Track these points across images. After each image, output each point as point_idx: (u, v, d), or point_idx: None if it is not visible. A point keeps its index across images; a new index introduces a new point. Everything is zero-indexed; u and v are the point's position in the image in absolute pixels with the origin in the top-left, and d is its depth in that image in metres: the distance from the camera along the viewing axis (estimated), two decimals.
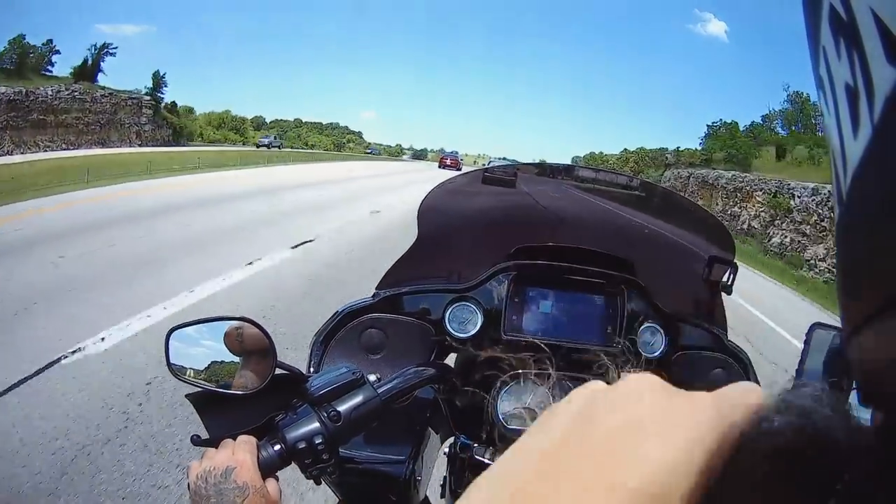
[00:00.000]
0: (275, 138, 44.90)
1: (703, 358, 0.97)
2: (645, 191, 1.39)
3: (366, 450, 0.82)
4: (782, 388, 0.18)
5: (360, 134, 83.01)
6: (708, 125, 37.16)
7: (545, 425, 0.22)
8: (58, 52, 29.38)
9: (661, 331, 0.95)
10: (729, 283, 1.00)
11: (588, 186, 1.31)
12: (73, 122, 26.65)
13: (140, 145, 29.54)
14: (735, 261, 1.01)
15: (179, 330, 0.69)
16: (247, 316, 0.70)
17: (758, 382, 0.96)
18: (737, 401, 0.20)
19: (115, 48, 33.03)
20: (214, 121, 55.11)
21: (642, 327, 0.95)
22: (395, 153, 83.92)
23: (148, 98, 32.25)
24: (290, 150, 44.59)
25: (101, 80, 31.05)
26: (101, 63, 31.59)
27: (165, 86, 35.28)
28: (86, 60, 30.57)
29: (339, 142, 73.24)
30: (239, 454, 0.61)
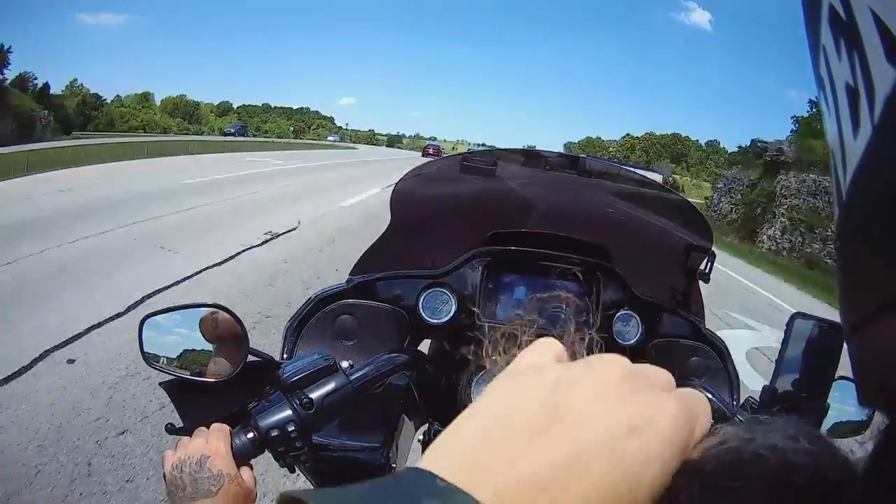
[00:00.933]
0: None
1: (679, 346, 0.97)
2: (628, 181, 1.33)
3: (340, 437, 0.82)
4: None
5: (331, 119, 78.70)
6: (812, 100, 20.53)
7: (500, 393, 0.22)
8: None
9: (637, 317, 0.95)
10: (706, 271, 1.00)
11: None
12: None
13: None
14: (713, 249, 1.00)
15: (152, 318, 0.68)
16: (218, 302, 0.69)
17: (735, 371, 0.96)
18: (694, 403, 0.21)
19: None
20: (169, 106, 50.86)
21: (618, 314, 0.95)
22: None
23: None
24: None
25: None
26: None
27: (8, 64, 23.73)
28: None
29: (300, 127, 66.73)
30: (213, 442, 0.61)
